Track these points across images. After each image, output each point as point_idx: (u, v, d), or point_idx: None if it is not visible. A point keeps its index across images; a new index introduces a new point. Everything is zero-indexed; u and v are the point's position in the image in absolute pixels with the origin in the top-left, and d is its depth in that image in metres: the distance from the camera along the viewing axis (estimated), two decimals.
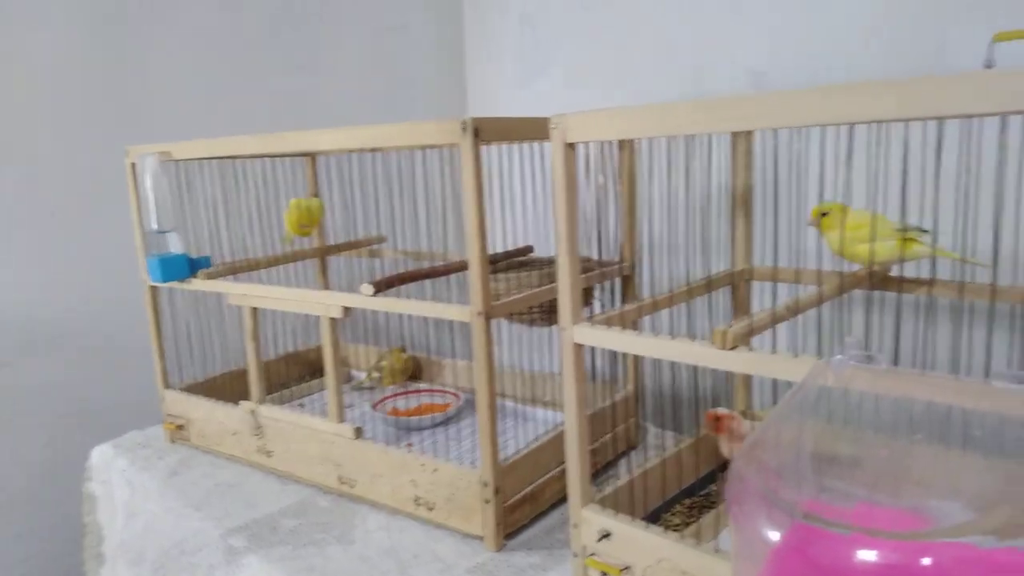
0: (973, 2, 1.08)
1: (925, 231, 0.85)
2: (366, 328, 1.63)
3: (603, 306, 1.18)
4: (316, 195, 1.47)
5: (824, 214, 0.87)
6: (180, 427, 1.31)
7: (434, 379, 1.49)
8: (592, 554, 0.84)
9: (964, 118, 0.54)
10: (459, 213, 1.03)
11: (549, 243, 0.94)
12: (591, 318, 0.84)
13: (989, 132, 0.83)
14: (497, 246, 1.25)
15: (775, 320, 0.71)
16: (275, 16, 1.57)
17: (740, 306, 1.07)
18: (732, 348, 0.68)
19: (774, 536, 0.50)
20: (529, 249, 1.29)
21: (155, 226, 1.21)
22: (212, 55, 1.51)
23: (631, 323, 1.11)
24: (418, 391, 1.39)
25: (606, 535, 0.82)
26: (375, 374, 1.44)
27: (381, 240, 1.47)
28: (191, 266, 1.23)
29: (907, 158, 0.73)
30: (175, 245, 1.23)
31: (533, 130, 0.88)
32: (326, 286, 1.53)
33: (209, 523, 1.05)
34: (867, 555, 0.49)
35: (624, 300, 1.18)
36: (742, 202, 1.05)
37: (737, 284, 1.06)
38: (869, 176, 0.77)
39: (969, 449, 0.59)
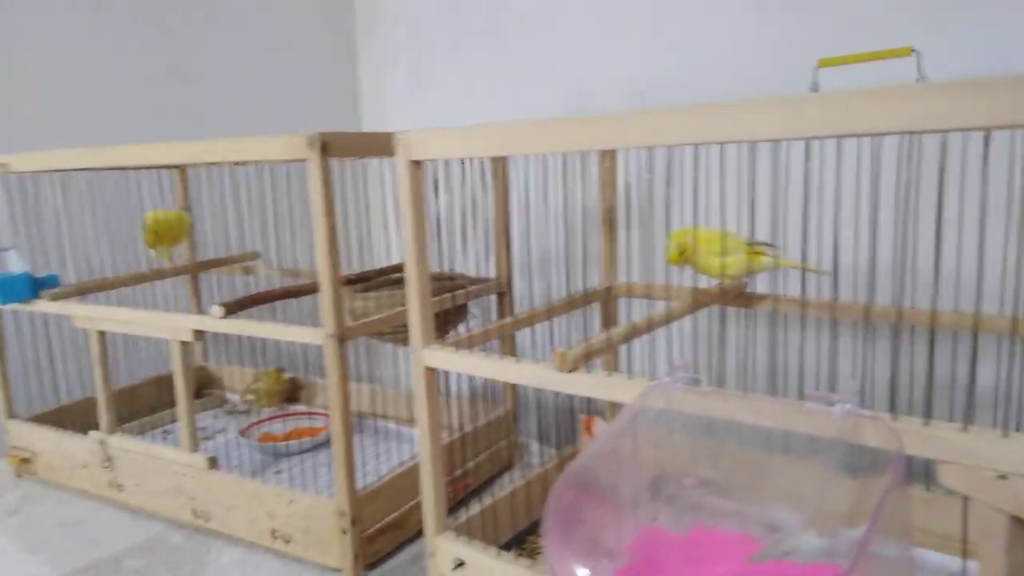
0: (835, 27, 1.12)
1: (771, 245, 0.87)
2: (251, 347, 1.56)
3: (474, 324, 1.16)
4: (186, 209, 1.40)
5: (682, 252, 0.87)
6: (26, 460, 1.21)
7: (312, 400, 1.43)
8: None
9: (775, 141, 0.55)
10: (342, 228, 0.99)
11: (446, 259, 0.91)
12: (444, 340, 0.81)
13: (829, 153, 0.86)
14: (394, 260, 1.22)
15: (613, 342, 0.70)
16: (148, 20, 1.48)
17: (608, 322, 1.07)
18: (572, 370, 0.67)
19: None
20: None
21: None
22: (74, 58, 1.41)
23: (508, 338, 1.10)
24: (294, 414, 1.33)
25: (460, 564, 0.80)
26: (249, 396, 1.37)
27: (254, 256, 1.40)
28: (35, 286, 1.14)
29: (731, 175, 0.74)
30: (16, 264, 1.13)
31: (383, 146, 0.85)
32: (199, 305, 1.46)
33: (45, 567, 0.96)
34: None
35: (500, 316, 1.17)
36: (607, 219, 1.05)
37: (605, 300, 1.06)
38: (738, 195, 0.78)
39: (794, 460, 0.60)
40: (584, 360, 0.67)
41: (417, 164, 0.76)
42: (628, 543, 0.61)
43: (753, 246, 0.86)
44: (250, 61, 1.61)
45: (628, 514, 0.62)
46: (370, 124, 1.87)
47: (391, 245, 1.54)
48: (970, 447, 0.48)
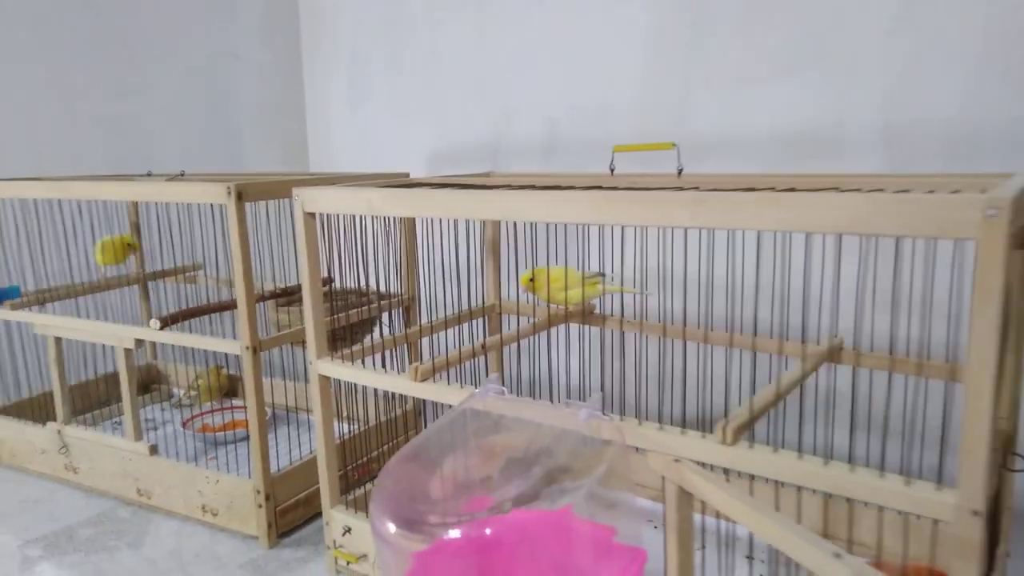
0: (713, 77, 1.33)
1: (602, 274, 1.08)
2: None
3: (391, 330, 1.36)
4: (136, 228, 1.58)
5: (531, 279, 1.08)
6: None
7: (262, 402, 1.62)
8: (340, 546, 1.02)
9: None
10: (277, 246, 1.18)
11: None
12: (357, 343, 1.01)
13: None
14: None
15: (461, 359, 0.91)
16: (94, 38, 1.63)
17: (493, 332, 1.28)
18: (423, 380, 0.88)
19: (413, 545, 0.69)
20: (329, 280, 1.45)
21: None
22: (28, 76, 1.55)
23: (413, 345, 1.29)
24: (231, 408, 1.52)
25: (348, 530, 1.01)
26: (192, 392, 1.56)
27: (197, 268, 1.58)
28: (0, 296, 1.31)
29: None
30: None
31: (289, 191, 1.04)
32: (148, 310, 1.63)
33: (9, 536, 1.15)
34: (454, 533, 0.69)
35: (407, 326, 1.37)
36: (491, 250, 1.25)
37: (490, 315, 1.27)
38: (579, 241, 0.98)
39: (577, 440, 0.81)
40: (432, 373, 0.88)
41: (311, 215, 0.95)
42: (457, 509, 0.82)
43: (589, 278, 1.07)
44: (200, 79, 1.78)
45: (460, 488, 0.83)
46: (314, 137, 2.06)
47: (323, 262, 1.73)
48: (661, 440, 0.69)
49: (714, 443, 0.66)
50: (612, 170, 0.95)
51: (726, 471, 0.85)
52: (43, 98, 1.54)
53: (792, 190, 0.65)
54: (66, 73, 1.57)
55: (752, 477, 0.98)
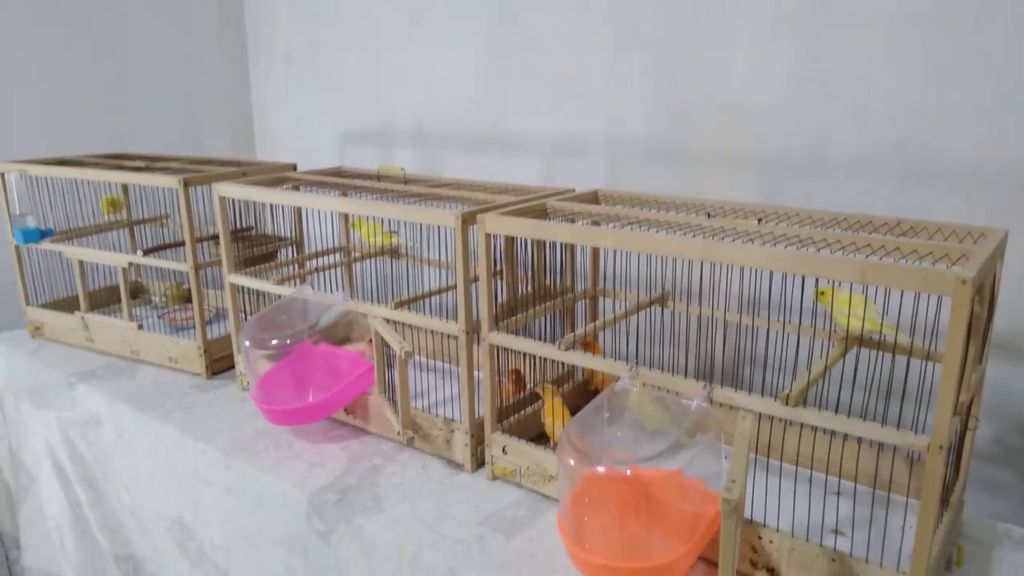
0: (516, 98, 2.15)
1: (395, 231, 1.92)
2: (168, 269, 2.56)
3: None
4: (125, 191, 2.39)
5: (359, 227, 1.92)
6: (38, 328, 2.23)
7: (202, 301, 2.47)
8: (243, 373, 1.88)
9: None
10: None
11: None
12: (244, 271, 1.85)
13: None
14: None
15: (310, 272, 1.75)
16: (93, 47, 2.40)
17: (348, 261, 2.12)
18: (278, 284, 1.72)
19: None
20: (251, 228, 2.28)
21: (18, 212, 2.10)
22: (30, 76, 2.33)
23: (301, 265, 2.12)
24: (187, 308, 2.36)
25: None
26: (163, 298, 2.40)
27: (167, 217, 2.40)
28: (41, 234, 2.13)
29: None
30: (31, 222, 2.12)
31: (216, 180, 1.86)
32: (133, 246, 2.45)
33: (59, 372, 2.00)
34: (283, 347, 1.56)
35: (297, 255, 2.21)
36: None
37: (344, 251, 2.11)
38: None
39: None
40: (284, 281, 1.72)
41: (223, 198, 1.78)
42: (284, 339, 1.67)
43: (387, 232, 1.91)
44: (166, 79, 2.58)
45: (286, 329, 1.68)
46: (258, 124, 2.87)
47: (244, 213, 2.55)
48: (370, 309, 1.54)
49: (388, 308, 1.52)
50: (379, 177, 1.78)
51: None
52: (58, 91, 2.34)
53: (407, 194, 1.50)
54: (75, 71, 2.36)
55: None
